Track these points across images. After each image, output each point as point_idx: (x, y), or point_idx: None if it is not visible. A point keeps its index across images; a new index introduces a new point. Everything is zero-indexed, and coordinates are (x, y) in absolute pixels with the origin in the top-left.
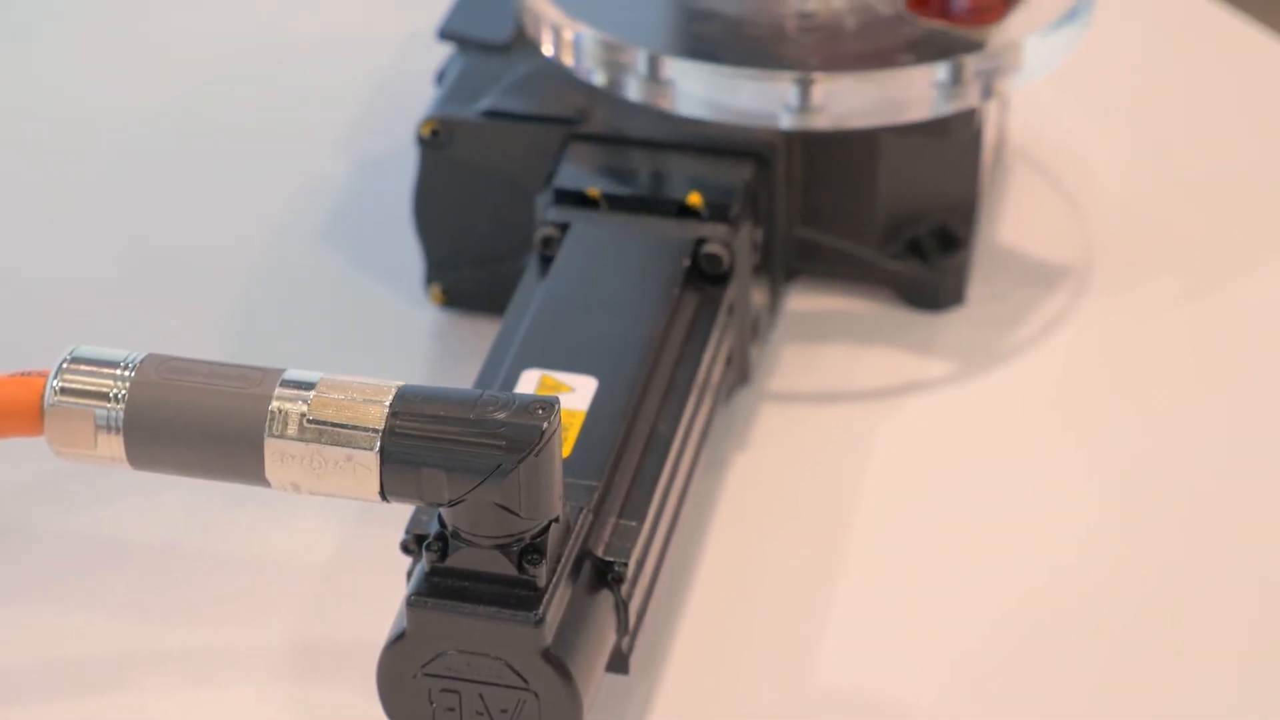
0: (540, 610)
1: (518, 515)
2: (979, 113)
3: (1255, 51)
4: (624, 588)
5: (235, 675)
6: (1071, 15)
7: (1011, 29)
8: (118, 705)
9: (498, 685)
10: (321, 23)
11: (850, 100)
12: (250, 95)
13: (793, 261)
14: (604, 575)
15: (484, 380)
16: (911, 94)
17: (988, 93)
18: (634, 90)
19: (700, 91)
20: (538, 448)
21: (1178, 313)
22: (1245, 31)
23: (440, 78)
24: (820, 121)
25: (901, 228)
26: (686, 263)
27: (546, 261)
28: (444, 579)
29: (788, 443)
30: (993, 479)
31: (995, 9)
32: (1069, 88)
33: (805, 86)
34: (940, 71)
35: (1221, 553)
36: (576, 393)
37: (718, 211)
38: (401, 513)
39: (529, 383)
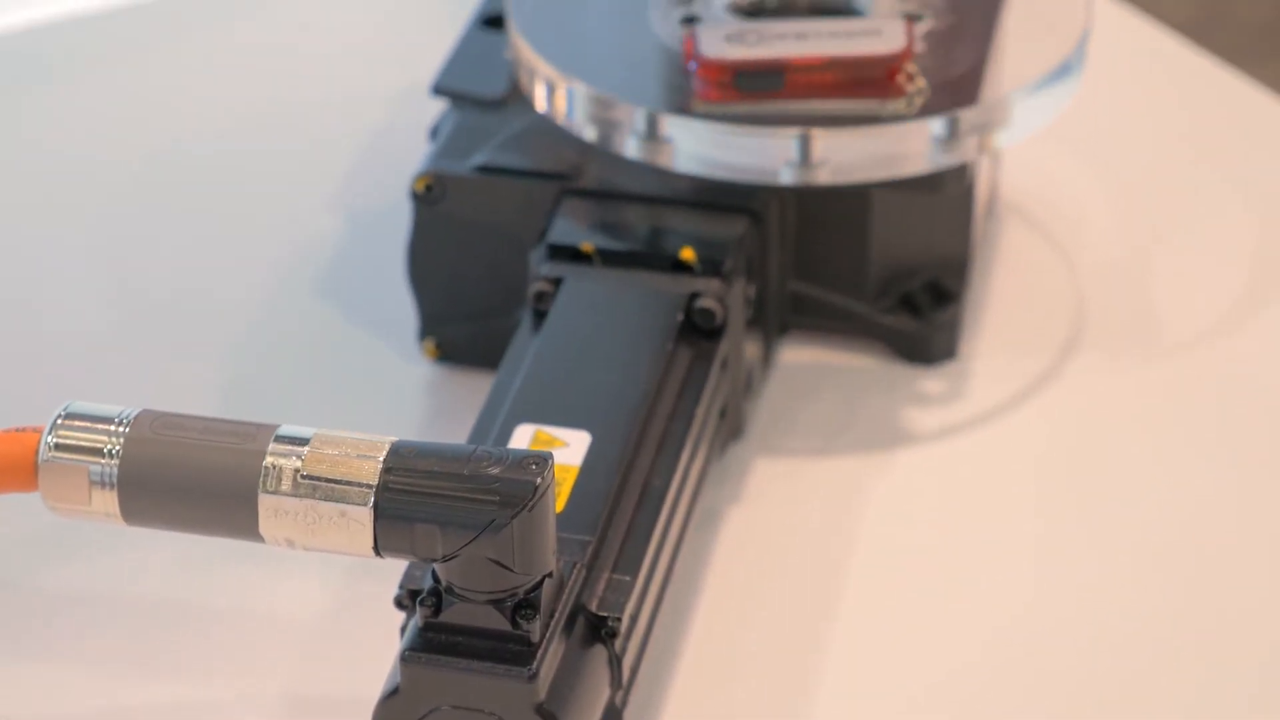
0: (534, 666)
1: (511, 570)
2: (971, 167)
3: (1247, 106)
4: (618, 642)
5: None
6: (1064, 70)
7: (1004, 84)
8: None
9: None
10: (315, 78)
11: (849, 155)
12: (244, 150)
13: (786, 315)
14: (598, 630)
15: (478, 435)
16: (909, 148)
17: (982, 147)
18: (630, 147)
19: (698, 148)
20: (531, 503)
21: (1170, 368)
22: (1236, 86)
23: (434, 133)
24: (820, 177)
25: (894, 282)
26: (680, 317)
27: (540, 316)
28: (438, 634)
29: (781, 496)
30: (985, 533)
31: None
32: (1061, 141)
33: (805, 142)
34: (936, 126)
35: (1214, 610)
36: (570, 447)
37: (711, 266)
38: (395, 567)
39: (523, 437)
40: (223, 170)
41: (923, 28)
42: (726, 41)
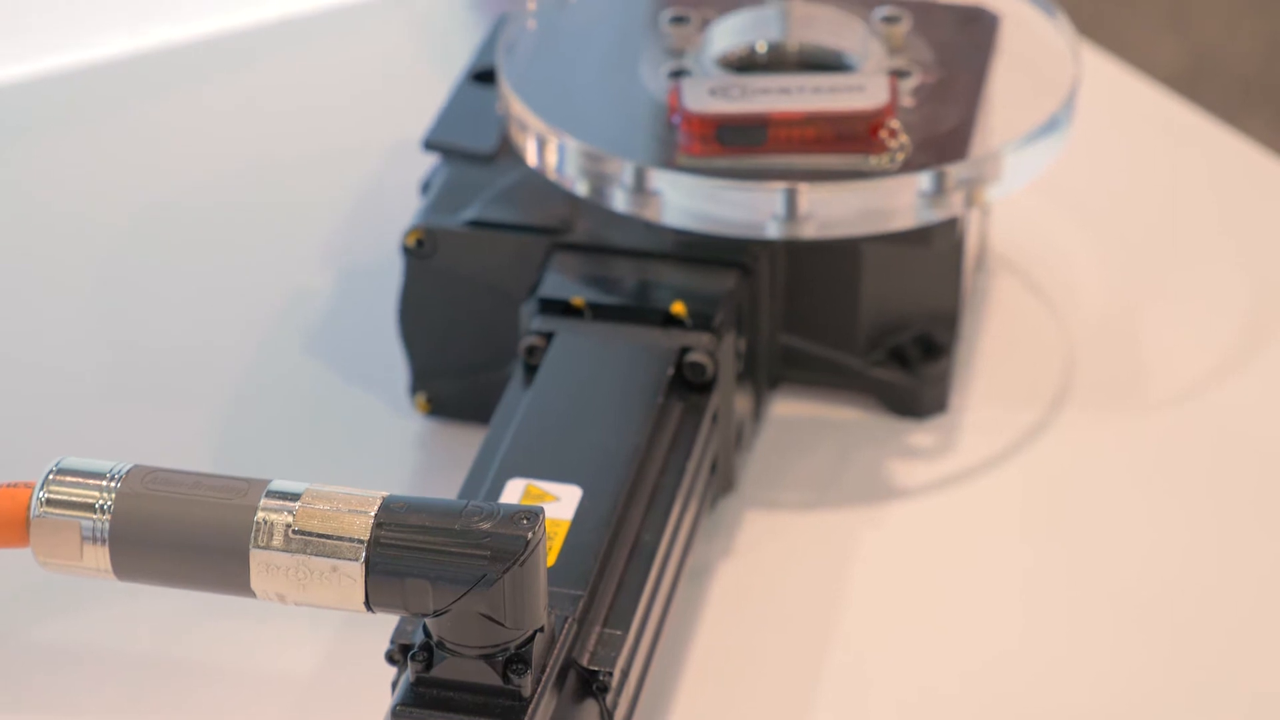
0: None
1: (503, 625)
2: (961, 221)
3: (1235, 159)
4: (609, 697)
5: None
6: (1052, 124)
7: (993, 139)
8: None
9: None
10: (307, 132)
11: (836, 209)
12: (236, 204)
13: (776, 369)
14: (589, 684)
15: (469, 489)
16: (896, 203)
17: (970, 202)
18: (619, 201)
19: (684, 202)
20: (522, 557)
21: (1159, 421)
22: (1225, 139)
23: (425, 187)
24: (807, 231)
25: (884, 335)
26: (671, 371)
27: (531, 370)
28: (429, 689)
29: (772, 550)
30: (975, 586)
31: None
32: (1051, 195)
33: (792, 196)
34: (924, 181)
35: (1202, 663)
36: (561, 501)
37: (702, 320)
38: (386, 622)
39: (514, 492)
40: (215, 224)
41: (909, 83)
42: (710, 95)
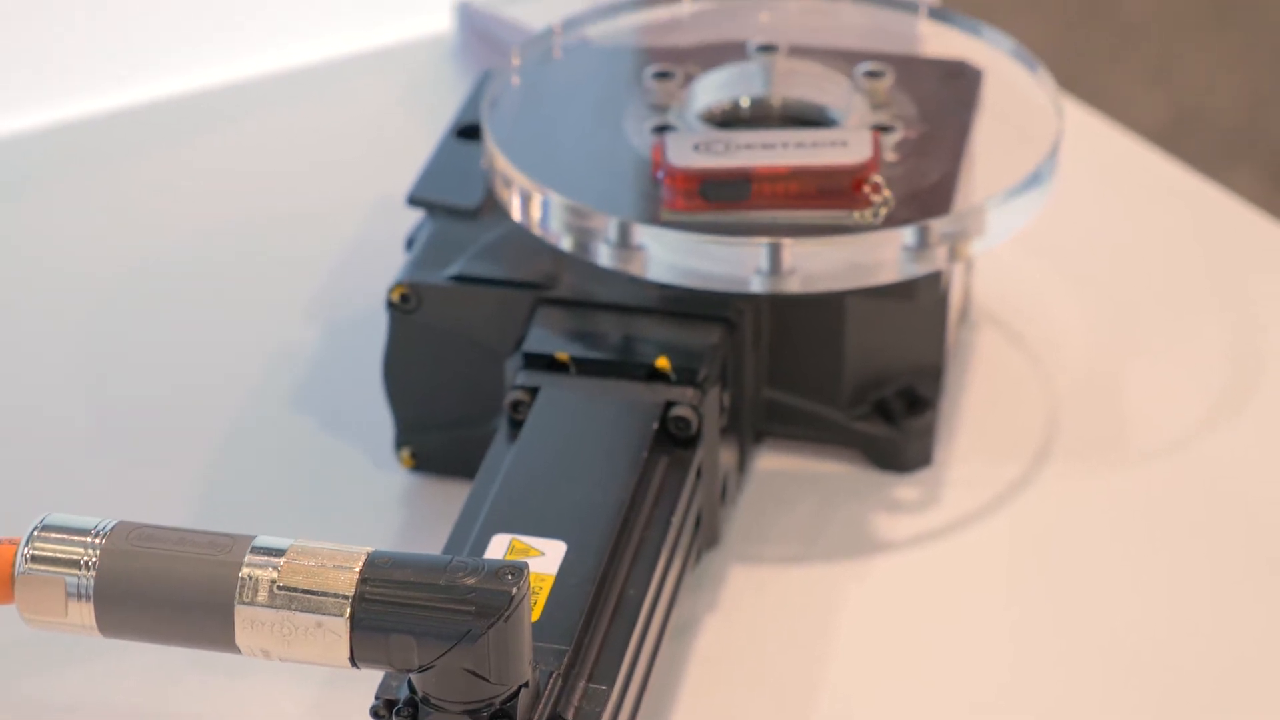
0: None
1: (487, 680)
2: (945, 275)
3: (1216, 211)
4: None
5: None
6: (1035, 179)
7: (976, 193)
8: None
9: None
10: (292, 188)
11: (819, 264)
12: (221, 260)
13: (760, 423)
14: None
15: (453, 544)
16: (880, 257)
17: (954, 256)
18: (604, 256)
19: (669, 257)
20: (507, 613)
21: (1143, 475)
22: (1207, 192)
23: (410, 243)
24: (791, 285)
25: (868, 390)
26: (655, 426)
27: (516, 425)
28: None
29: (757, 604)
30: (962, 640)
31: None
32: (1034, 248)
33: (776, 251)
34: (907, 235)
35: (1192, 716)
36: (546, 556)
37: (686, 375)
38: (371, 678)
39: (498, 547)
40: (200, 280)
41: (892, 139)
42: (694, 151)
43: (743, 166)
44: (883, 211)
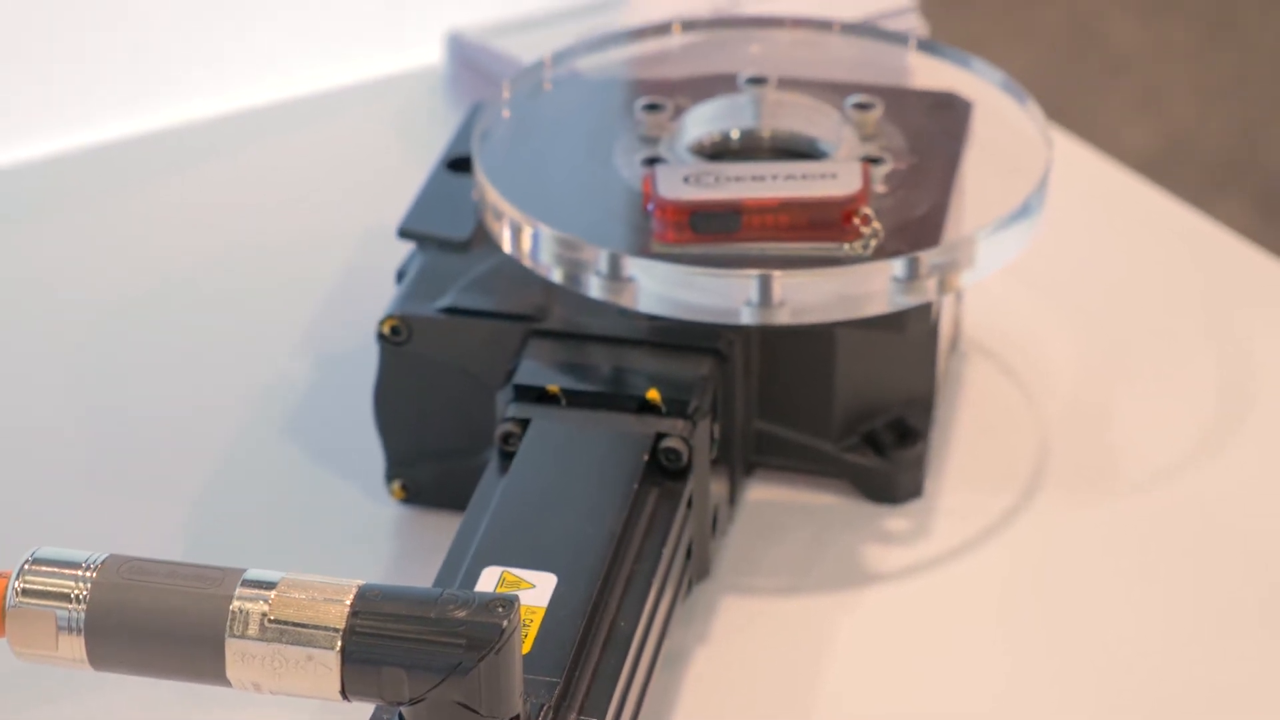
0: None
1: (479, 713)
2: (934, 306)
3: (1205, 241)
4: None
5: None
6: (1024, 210)
7: (966, 224)
8: None
9: None
10: (282, 220)
11: (809, 295)
12: (212, 292)
13: (751, 454)
14: None
15: (444, 577)
16: (869, 289)
17: (943, 287)
18: (594, 288)
19: (659, 289)
20: (498, 645)
21: (1133, 505)
22: (1196, 223)
23: (401, 275)
24: (781, 317)
25: (859, 421)
26: (646, 457)
27: (507, 457)
28: None
29: (748, 636)
30: (952, 671)
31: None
32: (1023, 279)
33: (766, 283)
34: (897, 267)
35: None
36: (537, 589)
37: (677, 407)
38: (362, 711)
39: (489, 579)
40: (191, 311)
41: (882, 170)
42: (684, 183)
43: (733, 199)
44: (872, 243)
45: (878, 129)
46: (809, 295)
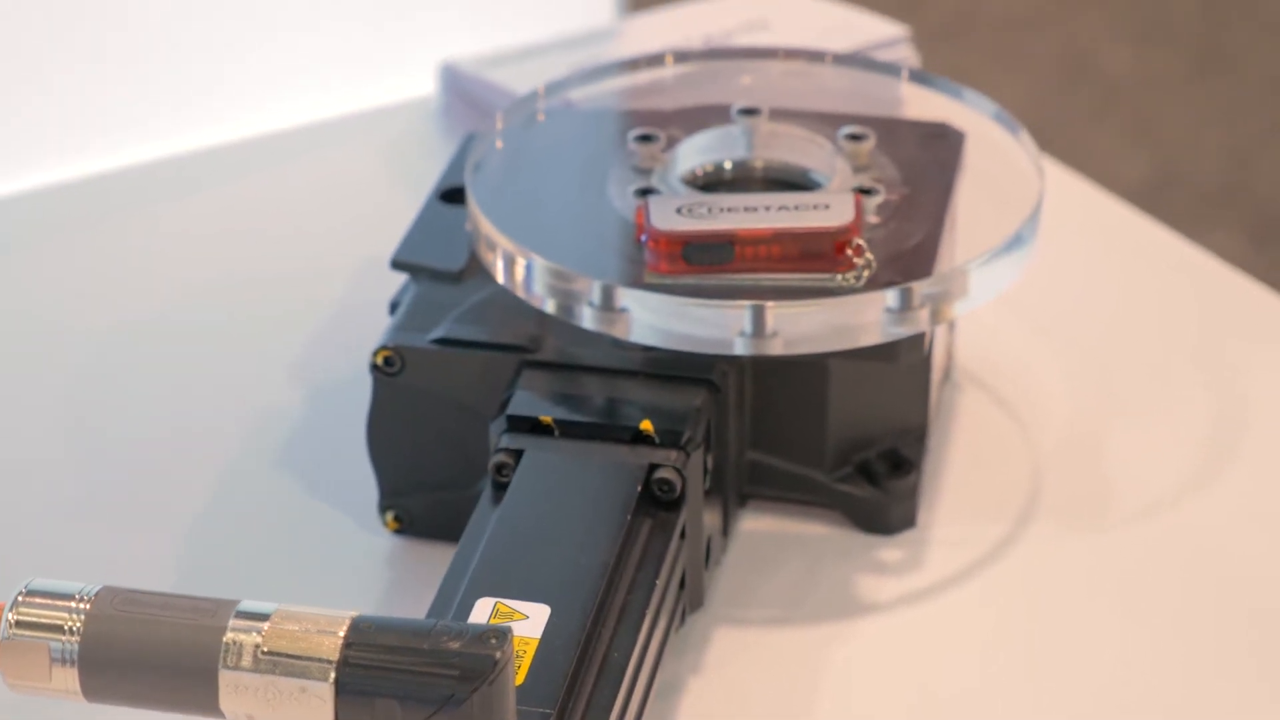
0: None
1: None
2: (927, 337)
3: (1197, 272)
4: None
5: None
6: (1017, 240)
7: (958, 255)
8: None
9: None
10: (275, 251)
11: (803, 326)
12: (205, 322)
13: (744, 485)
14: None
15: (438, 608)
16: (862, 319)
17: (936, 317)
18: (587, 319)
19: (652, 320)
20: (491, 677)
21: (1126, 536)
22: (1187, 252)
23: (394, 306)
24: (774, 348)
25: (852, 451)
26: (639, 488)
27: (500, 488)
28: None
29: (742, 666)
30: (945, 701)
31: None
32: (1015, 309)
33: (759, 313)
34: (890, 298)
35: None
36: (530, 620)
37: (670, 437)
38: None
39: (483, 610)
40: (184, 342)
41: (874, 201)
42: (677, 214)
43: (726, 229)
44: (865, 274)
45: (870, 160)
46: (802, 326)
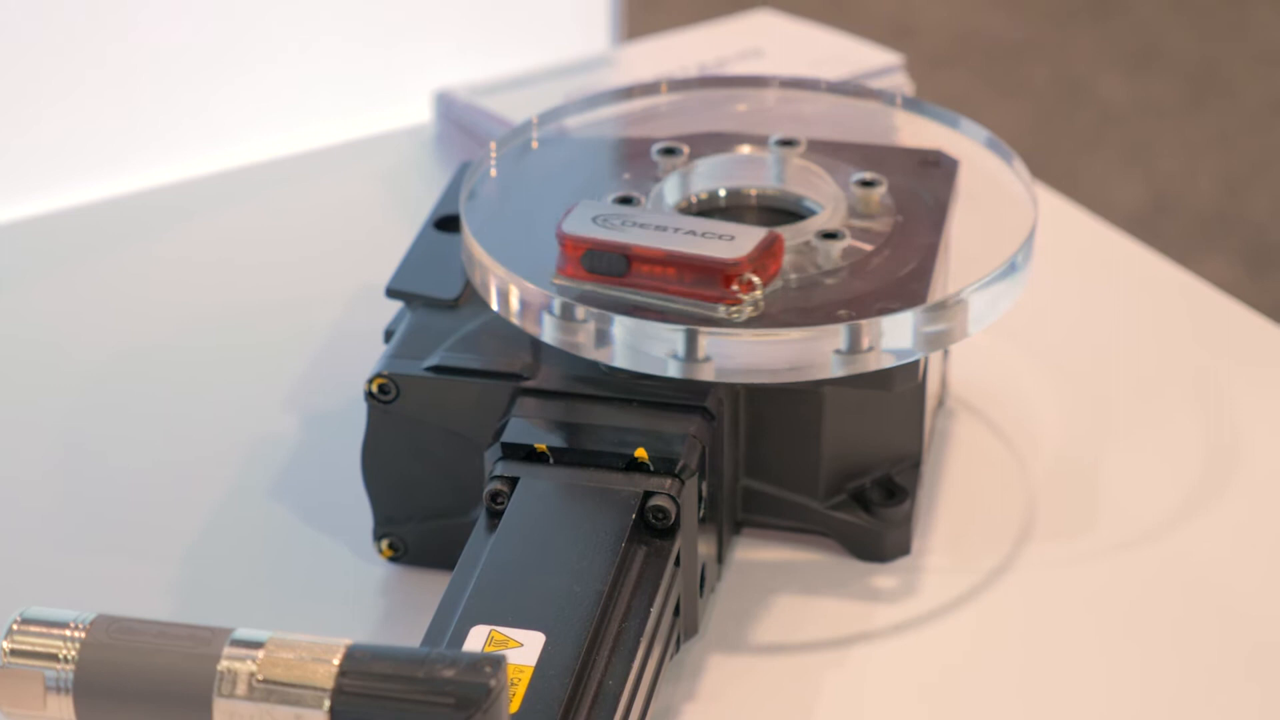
0: None
1: None
2: (921, 365)
3: (1191, 299)
4: None
5: None
6: (1010, 268)
7: (952, 283)
8: None
9: None
10: (271, 279)
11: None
12: (201, 350)
13: (739, 513)
14: None
15: (432, 636)
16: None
17: (930, 345)
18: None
19: (553, 326)
20: (486, 705)
21: (1121, 562)
22: (1183, 280)
23: (389, 334)
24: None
25: (846, 479)
26: (634, 516)
27: (495, 516)
28: None
29: (736, 693)
30: None
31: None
32: (1009, 336)
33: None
34: (746, 335)
35: None
36: (525, 647)
37: (664, 465)
38: None
39: (477, 638)
40: (179, 370)
41: (838, 245)
42: (591, 222)
43: (623, 243)
44: (748, 312)
45: (879, 207)
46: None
